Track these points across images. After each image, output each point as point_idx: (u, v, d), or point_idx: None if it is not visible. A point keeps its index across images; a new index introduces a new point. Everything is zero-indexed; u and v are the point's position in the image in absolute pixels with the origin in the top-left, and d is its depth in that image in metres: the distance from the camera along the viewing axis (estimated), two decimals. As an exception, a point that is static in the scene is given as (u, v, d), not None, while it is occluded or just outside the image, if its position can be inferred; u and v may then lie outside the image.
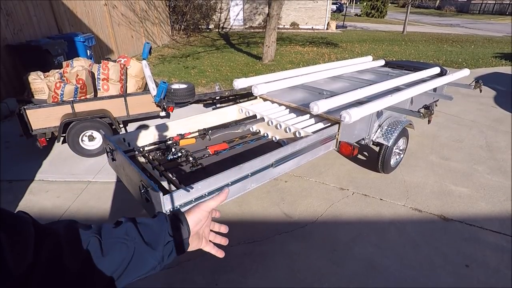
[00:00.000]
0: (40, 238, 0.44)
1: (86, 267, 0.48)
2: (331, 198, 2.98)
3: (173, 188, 1.94)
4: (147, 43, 3.49)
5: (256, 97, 3.27)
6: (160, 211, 0.67)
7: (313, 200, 2.94)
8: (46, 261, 0.44)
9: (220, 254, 0.72)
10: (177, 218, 0.63)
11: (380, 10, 28.70)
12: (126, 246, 0.54)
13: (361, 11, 30.63)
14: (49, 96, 3.49)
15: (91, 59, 5.68)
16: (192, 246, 0.66)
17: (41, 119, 3.30)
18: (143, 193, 1.69)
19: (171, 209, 1.59)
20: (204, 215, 0.65)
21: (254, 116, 2.88)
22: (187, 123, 2.75)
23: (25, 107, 3.21)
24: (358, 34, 16.52)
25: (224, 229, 0.74)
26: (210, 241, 0.71)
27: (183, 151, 2.24)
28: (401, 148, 3.37)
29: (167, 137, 2.49)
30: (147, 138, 2.54)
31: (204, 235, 0.69)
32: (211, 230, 0.72)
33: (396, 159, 3.38)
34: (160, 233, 0.59)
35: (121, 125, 3.81)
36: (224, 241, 0.74)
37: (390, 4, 33.56)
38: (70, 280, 0.46)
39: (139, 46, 9.88)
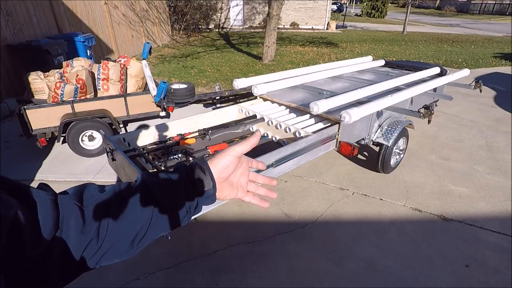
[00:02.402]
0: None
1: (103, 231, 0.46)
2: (331, 198, 2.98)
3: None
4: (147, 43, 3.49)
5: (256, 97, 3.27)
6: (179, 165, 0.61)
7: (313, 200, 2.94)
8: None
9: (263, 204, 0.65)
10: (198, 167, 0.56)
11: (380, 10, 28.72)
12: (143, 209, 0.50)
13: (361, 11, 30.65)
14: (49, 96, 3.49)
15: (91, 59, 5.68)
16: (224, 195, 0.60)
17: (41, 119, 3.30)
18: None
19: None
20: (231, 160, 0.58)
21: (254, 116, 2.87)
22: (187, 123, 2.75)
23: (25, 107, 3.20)
24: (358, 34, 16.52)
25: (269, 181, 0.67)
26: (250, 192, 0.65)
27: (183, 151, 2.24)
28: (401, 148, 3.37)
29: (167, 137, 2.48)
30: (147, 138, 2.54)
31: (239, 184, 0.63)
32: (252, 181, 0.65)
33: (396, 159, 3.38)
34: (178, 188, 0.54)
35: (121, 125, 3.80)
36: (270, 194, 0.66)
37: (390, 4, 33.57)
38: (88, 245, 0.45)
39: (139, 46, 9.88)
